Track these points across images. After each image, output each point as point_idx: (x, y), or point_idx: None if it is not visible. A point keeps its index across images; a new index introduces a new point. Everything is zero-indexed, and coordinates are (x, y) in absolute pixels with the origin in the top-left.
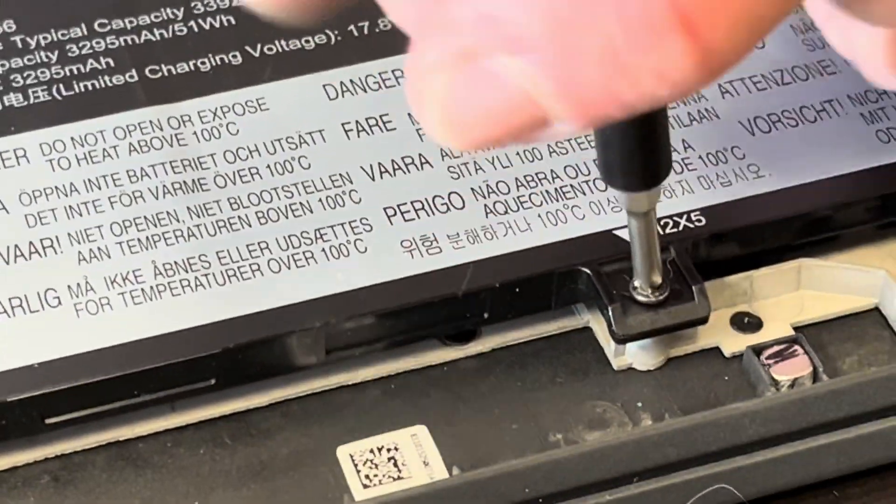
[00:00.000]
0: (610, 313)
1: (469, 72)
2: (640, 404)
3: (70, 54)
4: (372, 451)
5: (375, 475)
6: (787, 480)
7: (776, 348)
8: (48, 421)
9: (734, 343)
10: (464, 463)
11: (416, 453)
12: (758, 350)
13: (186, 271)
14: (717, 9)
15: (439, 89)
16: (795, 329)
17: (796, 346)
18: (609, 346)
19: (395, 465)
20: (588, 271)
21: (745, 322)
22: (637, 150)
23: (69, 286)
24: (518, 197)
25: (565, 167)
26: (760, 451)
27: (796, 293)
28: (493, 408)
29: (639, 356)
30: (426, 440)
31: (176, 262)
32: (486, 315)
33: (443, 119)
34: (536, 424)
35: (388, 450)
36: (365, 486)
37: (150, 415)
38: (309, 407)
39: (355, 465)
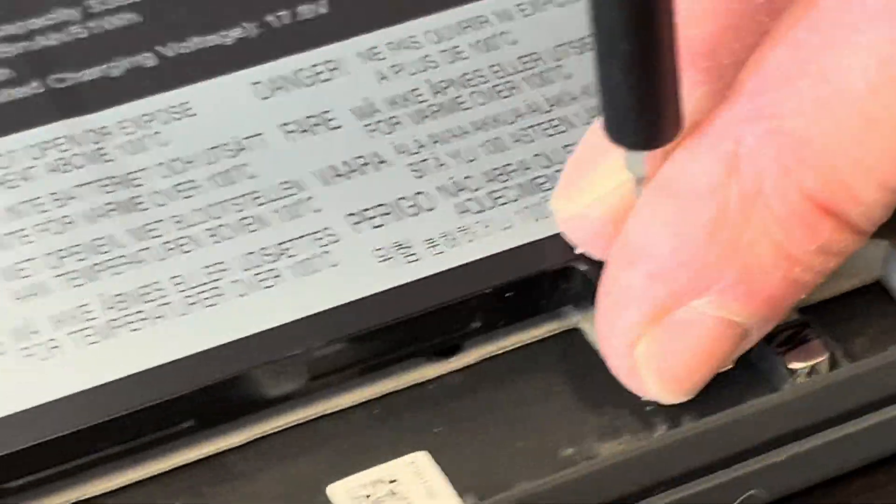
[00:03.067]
0: None
1: (665, 327)
2: (649, 408)
3: None
4: (367, 486)
5: None
6: (816, 474)
7: (786, 333)
8: (3, 486)
9: None
10: (474, 490)
11: (418, 483)
12: (768, 338)
13: (140, 302)
14: (846, 187)
15: (646, 355)
16: (800, 311)
17: (807, 330)
18: None
19: (398, 499)
20: (583, 268)
21: None
22: (640, 99)
23: (12, 329)
24: (491, 192)
25: (534, 156)
26: (786, 447)
27: None
28: (492, 425)
29: None
30: (426, 468)
31: (127, 293)
32: (476, 325)
33: (661, 380)
34: (543, 439)
35: (387, 483)
36: None
37: (116, 467)
38: (290, 441)
39: None
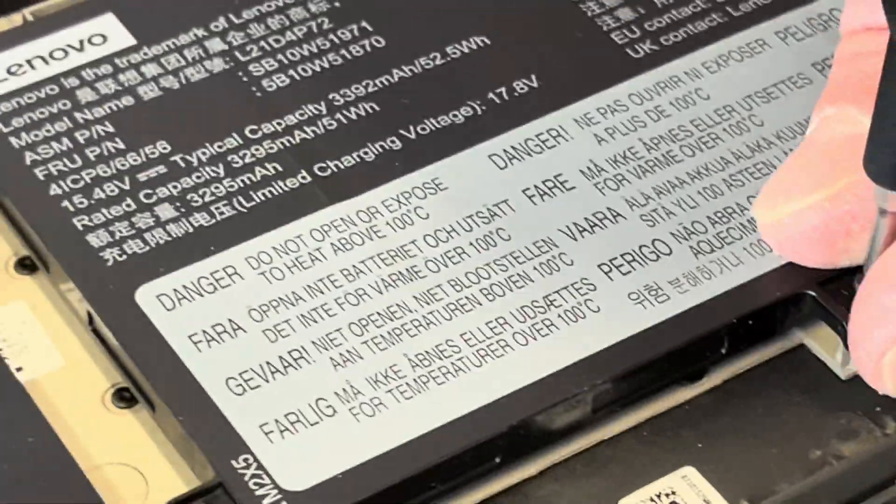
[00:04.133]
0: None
1: None
2: (878, 408)
3: (234, 165)
4: (652, 499)
5: None
6: None
7: None
8: None
9: None
10: (744, 495)
11: (693, 494)
12: None
13: (440, 358)
14: None
15: (891, 365)
16: None
17: None
18: (834, 357)
19: None
20: (812, 293)
21: None
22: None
23: (336, 393)
24: (718, 234)
25: (748, 198)
26: None
27: None
28: (747, 437)
29: None
30: (698, 480)
31: (427, 352)
32: (723, 351)
33: None
34: (793, 445)
35: (667, 494)
36: None
37: None
38: (576, 467)
39: None
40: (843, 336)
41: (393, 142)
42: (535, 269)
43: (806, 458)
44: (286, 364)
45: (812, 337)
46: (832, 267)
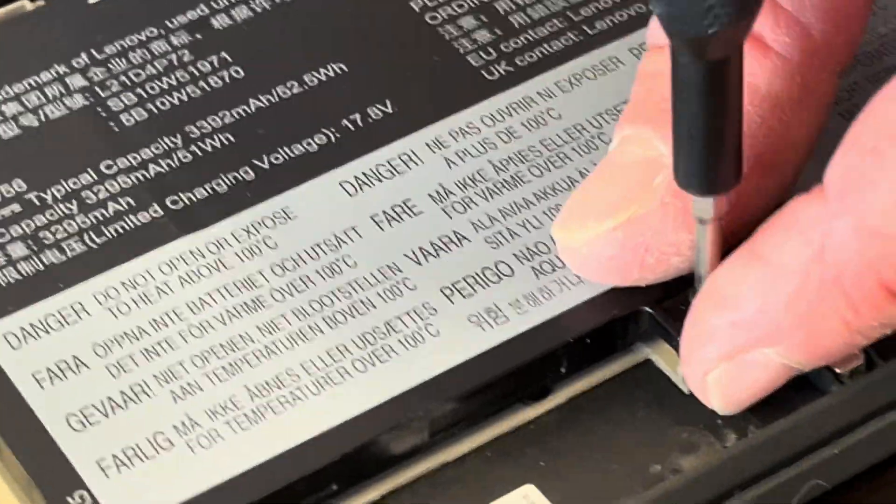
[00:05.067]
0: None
1: (736, 363)
2: (719, 421)
3: (88, 201)
4: None
5: None
6: (866, 461)
7: None
8: None
9: None
10: None
11: None
12: None
13: (280, 387)
14: None
15: (716, 382)
16: None
17: None
18: (677, 373)
19: None
20: (650, 311)
21: None
22: (707, 153)
23: (175, 426)
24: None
25: None
26: (840, 440)
27: None
28: (588, 454)
29: None
30: (538, 498)
31: (267, 382)
32: (563, 370)
33: (724, 401)
34: (634, 461)
35: None
36: None
37: None
38: (419, 490)
39: None
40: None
41: (246, 172)
42: (378, 294)
43: (646, 473)
44: (126, 398)
45: (657, 352)
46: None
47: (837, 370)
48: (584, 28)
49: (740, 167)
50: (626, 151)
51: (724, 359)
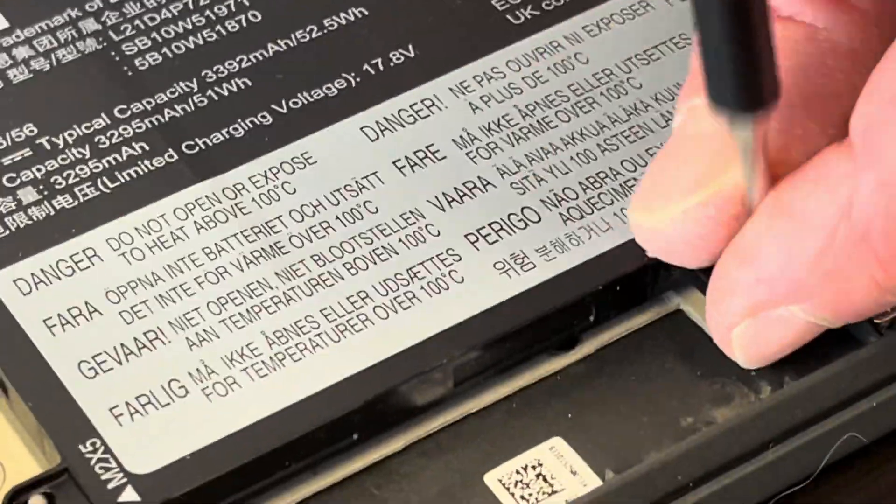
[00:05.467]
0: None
1: (760, 319)
2: (753, 373)
3: (101, 146)
4: (518, 471)
5: (530, 494)
6: None
7: None
8: None
9: None
10: (611, 465)
11: (560, 465)
12: None
13: (298, 335)
14: None
15: (740, 337)
16: None
17: None
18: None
19: (545, 480)
20: None
21: None
22: (738, 62)
23: (190, 373)
24: (588, 199)
25: (622, 162)
26: (877, 393)
27: None
28: (618, 406)
29: None
30: (566, 451)
31: (285, 329)
32: (591, 318)
33: (747, 356)
34: (664, 413)
35: (533, 467)
36: None
37: (296, 483)
38: (443, 441)
39: (507, 489)
40: None
41: (264, 117)
42: (400, 241)
43: (677, 425)
44: (141, 346)
45: (688, 302)
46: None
47: (877, 320)
48: None
49: (776, 82)
50: (698, 122)
51: (749, 315)
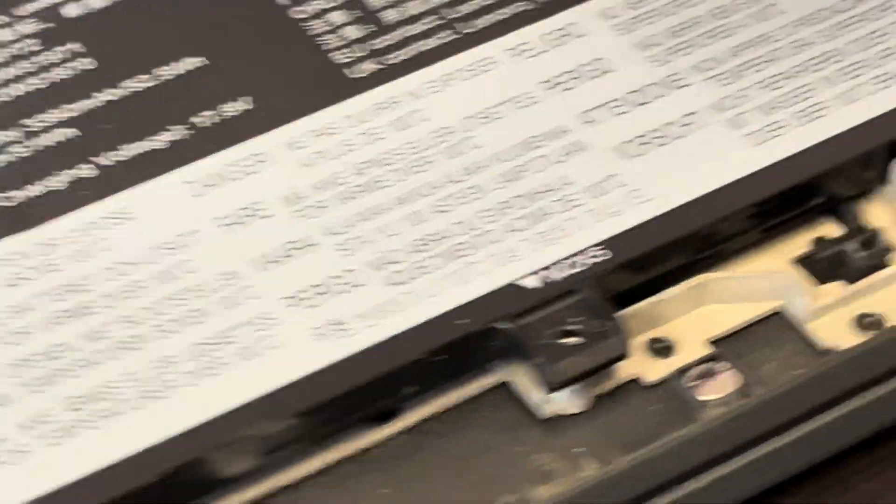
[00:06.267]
0: (540, 362)
1: None
2: (575, 450)
3: None
4: None
5: None
6: (739, 494)
7: (698, 369)
8: None
9: (655, 370)
10: None
11: None
12: (682, 371)
13: (97, 402)
14: None
15: None
16: (712, 343)
17: (719, 363)
18: (530, 397)
19: None
20: (504, 327)
21: (660, 347)
22: None
23: None
24: (415, 263)
25: (453, 224)
26: (708, 471)
27: (705, 308)
28: (437, 482)
29: (569, 400)
30: None
31: (84, 395)
32: (412, 389)
33: None
34: (485, 491)
35: None
36: None
37: None
38: None
39: None
40: (540, 371)
41: (88, 169)
42: (216, 303)
43: None
44: None
45: (514, 374)
46: None
47: (704, 397)
48: (460, 27)
49: None
50: None
51: None
